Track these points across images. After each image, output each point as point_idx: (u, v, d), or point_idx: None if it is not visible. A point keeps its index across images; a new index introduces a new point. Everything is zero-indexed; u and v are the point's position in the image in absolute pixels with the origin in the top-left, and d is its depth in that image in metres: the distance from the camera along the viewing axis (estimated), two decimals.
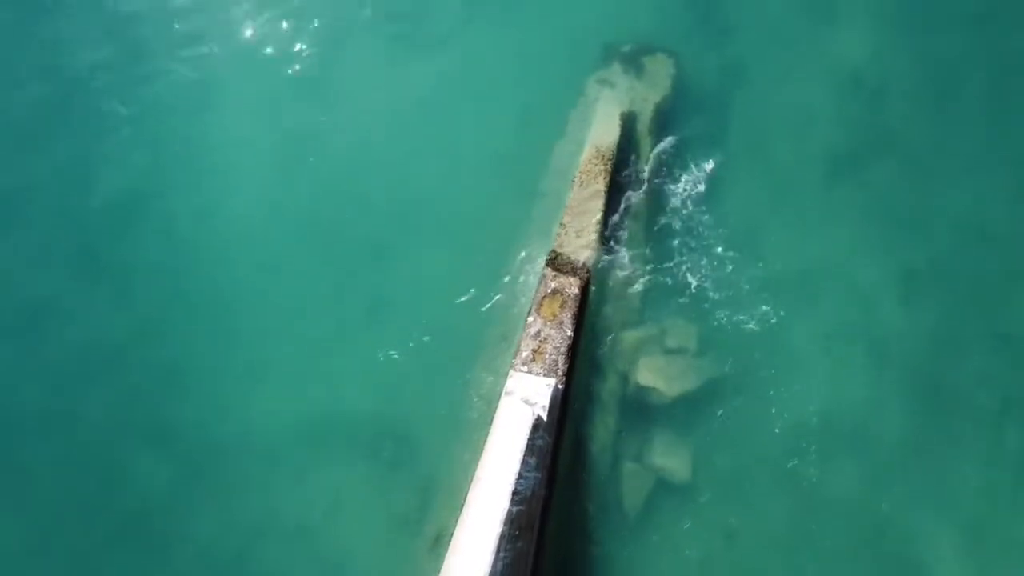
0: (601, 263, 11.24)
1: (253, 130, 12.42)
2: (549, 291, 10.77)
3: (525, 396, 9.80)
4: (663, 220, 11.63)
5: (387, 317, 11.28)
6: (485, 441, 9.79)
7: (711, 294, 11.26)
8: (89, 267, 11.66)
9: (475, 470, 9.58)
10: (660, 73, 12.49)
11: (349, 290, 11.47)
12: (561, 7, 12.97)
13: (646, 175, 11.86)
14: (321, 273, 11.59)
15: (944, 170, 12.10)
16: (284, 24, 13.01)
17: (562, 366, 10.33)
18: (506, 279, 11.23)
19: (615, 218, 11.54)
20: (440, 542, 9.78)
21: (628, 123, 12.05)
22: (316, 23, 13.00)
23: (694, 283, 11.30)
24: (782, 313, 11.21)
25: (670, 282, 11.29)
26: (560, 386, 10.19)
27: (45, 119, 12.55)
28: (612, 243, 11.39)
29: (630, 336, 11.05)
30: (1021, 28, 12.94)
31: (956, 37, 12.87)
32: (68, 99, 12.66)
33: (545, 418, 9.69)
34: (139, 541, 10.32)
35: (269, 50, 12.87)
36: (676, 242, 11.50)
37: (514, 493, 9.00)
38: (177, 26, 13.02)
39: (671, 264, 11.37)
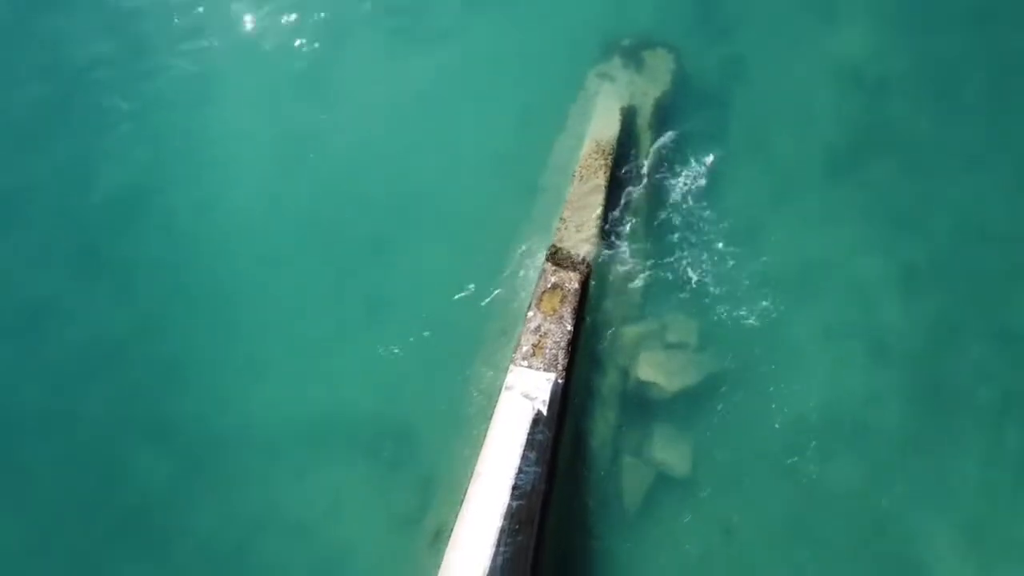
0: (601, 258, 11.23)
1: (253, 125, 12.42)
2: (549, 286, 10.76)
3: (525, 391, 9.80)
4: (663, 215, 11.61)
5: (387, 312, 11.28)
6: (485, 436, 9.81)
7: (711, 289, 11.24)
8: (89, 263, 11.67)
9: (475, 465, 9.60)
10: (660, 68, 12.46)
11: (349, 285, 11.47)
12: (561, 1, 12.93)
13: (646, 170, 11.84)
14: (321, 268, 11.58)
15: (944, 167, 12.08)
16: (284, 19, 13.00)
17: (562, 361, 10.33)
18: (506, 274, 11.23)
19: (615, 213, 11.52)
20: (440, 537, 9.79)
21: (628, 118, 12.03)
22: (316, 17, 12.98)
23: (694, 278, 11.28)
24: (782, 309, 11.20)
25: (670, 277, 11.27)
26: (560, 381, 10.19)
27: (45, 116, 12.55)
28: (612, 238, 11.38)
29: (630, 331, 11.04)
30: (1021, 26, 12.89)
31: (956, 35, 12.84)
32: (69, 95, 12.66)
33: (545, 413, 9.69)
34: (139, 535, 10.33)
35: (269, 45, 12.87)
36: (676, 237, 11.49)
37: (514, 488, 9.00)
38: (177, 21, 13.02)
39: (671, 259, 11.35)
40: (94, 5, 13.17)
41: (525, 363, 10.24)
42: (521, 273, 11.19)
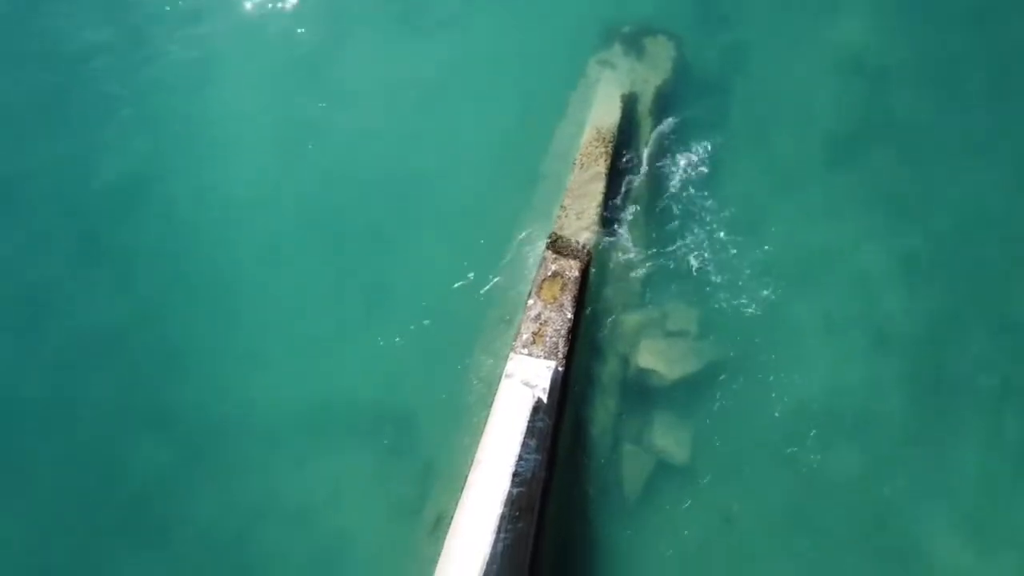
0: (602, 245, 11.20)
1: (253, 112, 12.37)
2: (549, 274, 10.74)
3: (525, 378, 9.79)
4: (664, 203, 11.59)
5: (387, 300, 11.25)
6: (485, 423, 9.80)
7: (712, 277, 11.22)
8: (89, 251, 11.62)
9: (475, 452, 9.58)
10: (661, 55, 12.43)
11: (349, 273, 11.44)
12: None
13: (647, 157, 11.81)
14: (321, 256, 11.55)
15: (946, 157, 12.06)
16: (284, 4, 12.93)
17: (562, 348, 10.31)
18: (506, 262, 11.19)
19: (616, 200, 11.50)
20: (440, 524, 9.79)
21: (629, 105, 11.99)
22: (316, 3, 12.91)
23: (695, 266, 11.27)
24: (783, 297, 11.19)
25: (671, 265, 11.25)
26: (560, 368, 10.18)
27: (44, 103, 12.49)
28: (613, 226, 11.35)
29: (631, 318, 11.03)
30: (1022, 16, 12.84)
31: (958, 24, 12.83)
32: (68, 82, 12.60)
33: (545, 400, 9.68)
34: (139, 524, 10.31)
35: (269, 30, 12.83)
36: (677, 225, 11.46)
37: (514, 475, 9.00)
38: (176, 6, 12.93)
39: (672, 247, 11.33)
40: None
41: (525, 351, 10.22)
42: (521, 261, 11.16)
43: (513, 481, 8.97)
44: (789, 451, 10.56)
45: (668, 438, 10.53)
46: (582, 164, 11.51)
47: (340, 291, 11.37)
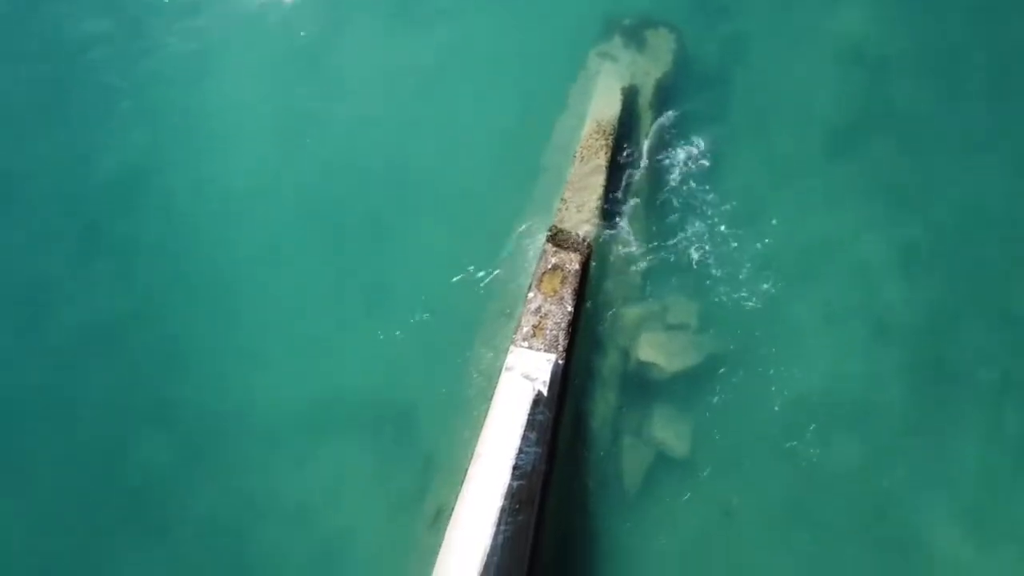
0: (602, 238, 11.18)
1: (252, 104, 12.33)
2: (550, 267, 10.73)
3: (525, 371, 9.80)
4: (664, 196, 11.56)
5: (386, 294, 11.23)
6: (485, 416, 9.79)
7: (712, 270, 11.21)
8: (88, 246, 11.60)
9: (475, 445, 9.59)
10: (662, 47, 12.38)
11: (349, 267, 11.42)
12: None
13: (648, 150, 11.78)
14: (320, 250, 11.53)
15: (946, 149, 12.02)
16: None
17: (562, 342, 10.31)
18: (506, 255, 11.17)
19: (616, 193, 11.48)
20: (441, 518, 9.80)
21: (629, 97, 11.95)
22: None
23: (695, 259, 11.25)
24: (783, 290, 11.16)
25: (672, 258, 11.24)
26: (560, 362, 10.18)
27: (43, 95, 12.46)
28: (613, 218, 11.33)
29: (631, 312, 11.02)
30: (1023, 6, 12.81)
31: (959, 14, 12.77)
32: (66, 74, 12.56)
33: (545, 393, 9.69)
34: (139, 519, 10.30)
35: (267, 22, 12.76)
36: (677, 217, 11.44)
37: (515, 468, 9.01)
38: None
39: (672, 240, 11.31)
40: None
41: (525, 344, 10.22)
42: (521, 254, 11.14)
43: (513, 474, 8.99)
44: (789, 443, 10.55)
45: (668, 431, 10.54)
46: (582, 157, 11.48)
47: (340, 285, 11.35)
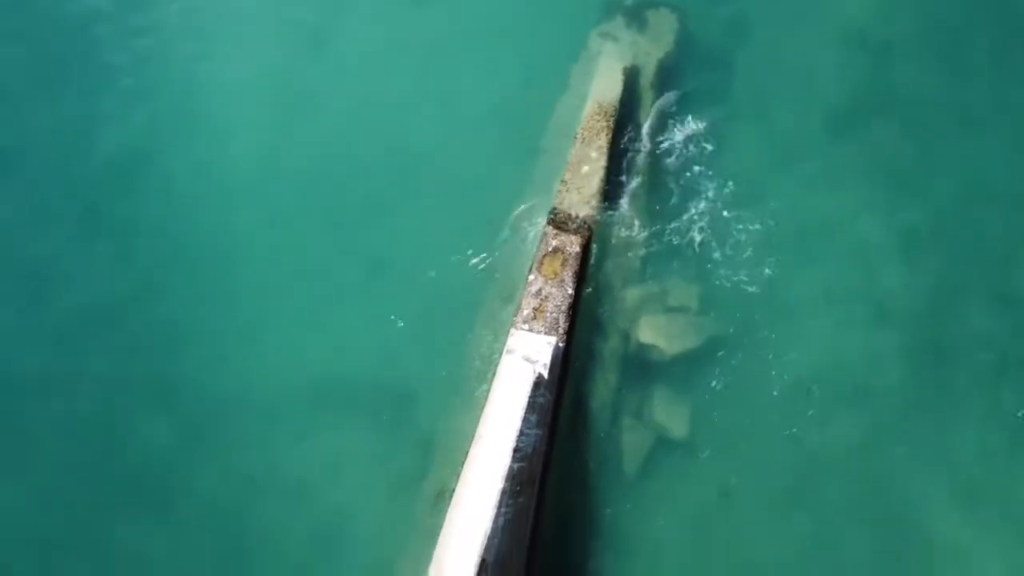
0: (603, 221, 11.16)
1: (252, 82, 12.26)
2: (550, 249, 10.71)
3: (526, 354, 9.80)
4: (665, 178, 11.53)
5: (386, 275, 11.22)
6: (486, 398, 9.82)
7: (713, 252, 11.19)
8: (89, 225, 11.56)
9: (476, 427, 9.62)
10: (663, 27, 12.31)
11: (348, 247, 11.39)
12: None
13: (649, 132, 11.73)
14: (320, 230, 11.49)
15: (947, 130, 12.00)
16: None
17: (563, 324, 10.32)
18: (506, 237, 11.15)
19: (617, 176, 11.43)
20: (441, 499, 9.85)
21: (631, 78, 11.88)
22: None
23: (696, 241, 11.23)
24: (784, 272, 11.17)
25: (672, 240, 11.22)
26: (561, 344, 10.19)
27: (43, 73, 12.37)
28: (614, 200, 11.30)
29: (631, 294, 11.02)
30: None
31: None
32: (66, 51, 12.51)
33: (546, 376, 9.70)
34: (140, 497, 10.34)
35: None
36: (678, 200, 11.41)
37: (515, 450, 9.04)
38: None
39: (673, 222, 11.29)
40: None
41: (526, 327, 10.22)
42: (522, 236, 11.11)
43: (514, 456, 9.02)
44: (788, 425, 10.60)
45: (668, 413, 10.57)
46: (583, 138, 11.43)
47: (340, 264, 11.33)
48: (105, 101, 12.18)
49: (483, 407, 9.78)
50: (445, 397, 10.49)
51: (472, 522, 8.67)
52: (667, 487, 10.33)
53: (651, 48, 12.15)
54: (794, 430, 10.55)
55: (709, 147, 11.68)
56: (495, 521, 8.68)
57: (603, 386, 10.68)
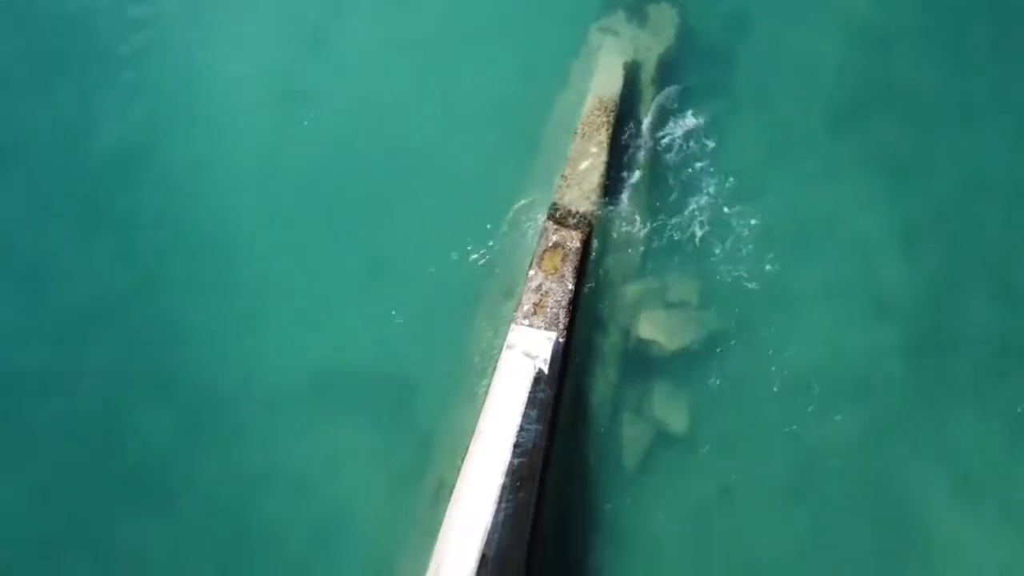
0: (603, 216, 11.15)
1: (252, 77, 12.22)
2: (550, 244, 10.70)
3: (526, 349, 9.81)
4: (666, 173, 11.51)
5: (386, 269, 11.22)
6: (486, 394, 9.83)
7: (713, 248, 11.19)
8: (89, 220, 11.56)
9: (476, 423, 9.62)
10: (664, 22, 12.26)
11: (348, 242, 11.38)
12: None
13: (649, 127, 11.70)
14: (320, 226, 11.48)
15: (948, 123, 11.98)
16: None
17: (563, 319, 10.32)
18: (507, 232, 11.14)
19: (617, 171, 11.41)
20: (441, 494, 9.87)
21: (632, 73, 11.85)
22: None
23: (696, 237, 11.22)
24: (784, 267, 11.16)
25: (672, 235, 11.21)
26: (561, 340, 10.19)
27: (42, 66, 12.34)
28: (614, 196, 11.29)
29: (631, 289, 11.01)
30: None
31: None
32: (66, 45, 12.45)
33: (546, 371, 9.71)
34: (141, 491, 10.38)
35: None
36: (679, 195, 11.40)
37: (515, 445, 9.05)
38: None
39: (673, 217, 11.28)
40: None
41: (526, 322, 10.22)
42: (522, 231, 11.11)
43: (514, 451, 9.02)
44: (787, 421, 10.61)
45: (668, 408, 10.58)
46: (583, 133, 11.41)
47: (340, 259, 11.33)
48: (105, 95, 12.16)
49: (483, 402, 9.80)
50: (445, 392, 10.50)
51: (472, 517, 8.68)
52: (667, 482, 10.35)
53: (652, 43, 12.11)
54: (794, 426, 10.56)
55: (710, 142, 11.65)
56: (495, 516, 8.70)
57: (603, 381, 10.68)
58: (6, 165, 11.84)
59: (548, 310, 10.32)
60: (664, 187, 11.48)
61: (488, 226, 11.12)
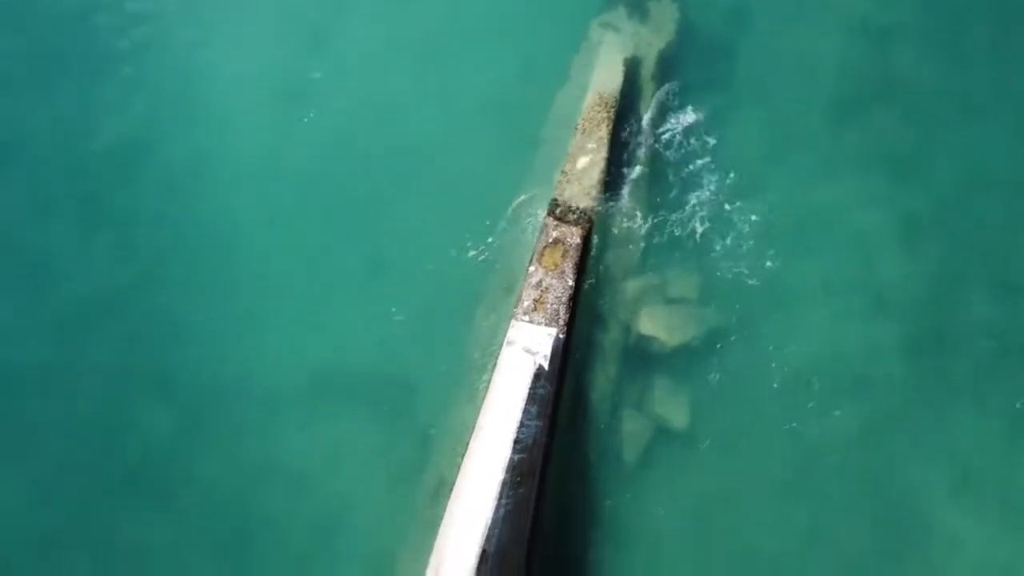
0: (603, 212, 11.14)
1: (252, 73, 12.25)
2: (551, 240, 10.69)
3: (526, 346, 9.80)
4: (666, 169, 11.51)
5: (386, 266, 11.22)
6: (486, 390, 9.82)
7: (713, 243, 11.19)
8: (89, 215, 11.56)
9: (476, 419, 9.62)
10: (665, 17, 12.26)
11: (348, 238, 11.38)
12: None
13: (650, 123, 11.70)
14: (320, 222, 11.49)
15: (948, 117, 11.99)
16: None
17: (563, 315, 10.31)
18: (507, 228, 11.14)
19: (618, 167, 11.41)
20: (441, 490, 9.87)
21: (632, 69, 11.84)
22: None
23: (696, 232, 11.22)
24: (784, 263, 11.17)
25: (672, 231, 11.21)
26: (561, 336, 10.19)
27: (42, 62, 12.31)
28: (615, 191, 11.28)
29: (632, 285, 11.01)
30: None
31: None
32: (66, 41, 12.45)
33: (546, 367, 9.70)
34: (141, 487, 10.38)
35: None
36: (679, 190, 11.40)
37: (515, 441, 9.05)
38: None
39: (674, 213, 11.27)
40: None
41: (526, 318, 10.21)
42: (522, 227, 11.10)
43: (514, 447, 9.03)
44: (788, 417, 10.61)
45: (668, 404, 10.58)
46: (584, 129, 11.40)
47: (339, 257, 11.33)
48: (105, 90, 12.16)
49: (483, 398, 9.79)
50: (445, 388, 10.50)
51: (473, 513, 8.69)
52: (667, 478, 10.35)
53: (652, 38, 12.10)
54: (794, 422, 10.57)
55: (710, 138, 11.65)
56: (496, 512, 8.71)
57: (603, 377, 10.68)
58: (6, 162, 11.83)
59: (548, 306, 10.31)
60: (664, 183, 11.47)
61: (488, 222, 11.12)
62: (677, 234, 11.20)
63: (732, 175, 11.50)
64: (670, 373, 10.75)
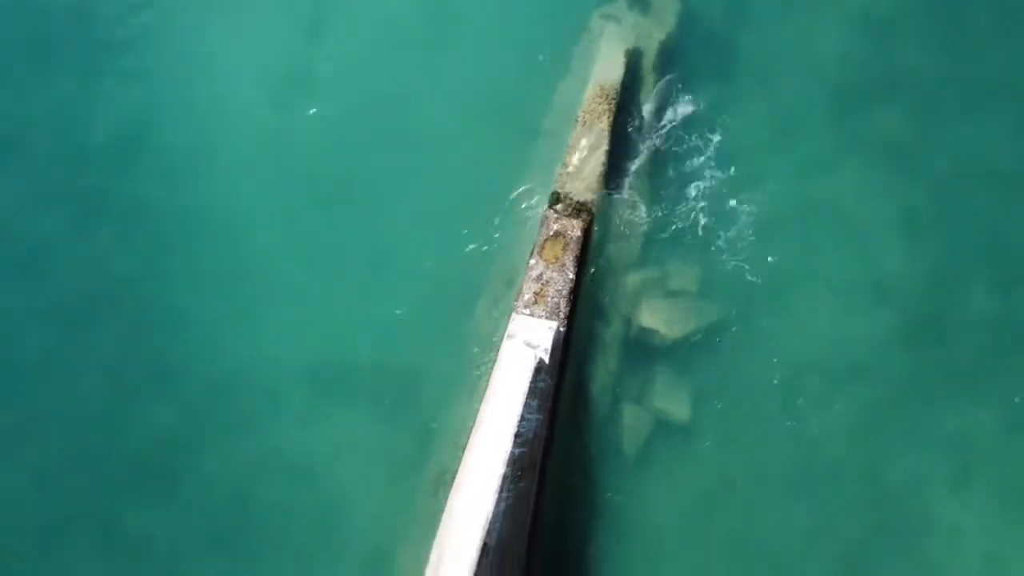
0: (604, 205, 11.11)
1: (251, 62, 12.19)
2: (551, 233, 10.67)
3: (527, 339, 9.79)
4: (667, 161, 11.48)
5: (387, 259, 11.20)
6: (487, 384, 9.83)
7: (714, 236, 11.17)
8: (90, 206, 11.54)
9: (477, 413, 9.63)
10: (666, 8, 12.20)
11: (349, 232, 11.36)
12: None
13: (651, 115, 11.66)
14: (320, 214, 11.44)
15: (950, 108, 11.94)
16: None
17: (564, 309, 10.30)
18: (507, 221, 11.11)
19: (619, 159, 11.37)
20: (442, 484, 9.89)
21: (633, 60, 11.78)
22: None
23: (697, 225, 11.20)
24: (785, 256, 11.17)
25: (673, 224, 11.19)
26: (562, 329, 10.18)
27: (41, 52, 12.27)
28: (615, 184, 11.25)
29: (632, 278, 11.00)
30: None
31: None
32: (64, 31, 12.38)
33: (547, 361, 9.70)
34: (143, 479, 10.39)
35: None
36: (680, 184, 11.37)
37: (516, 435, 9.05)
38: None
39: (674, 206, 11.25)
40: None
41: (527, 311, 10.21)
42: (522, 220, 11.08)
43: (515, 441, 9.03)
44: (788, 410, 10.64)
45: (668, 398, 10.59)
46: (585, 121, 11.35)
47: (340, 250, 11.31)
48: (104, 80, 12.10)
49: (484, 392, 9.79)
50: (445, 382, 10.50)
51: (474, 507, 8.69)
52: (668, 471, 10.38)
53: (653, 30, 12.03)
54: (793, 415, 10.59)
55: (711, 130, 11.62)
56: (496, 506, 8.71)
57: (604, 371, 10.69)
58: (5, 152, 11.78)
59: (549, 299, 10.30)
60: (665, 175, 11.44)
61: (488, 215, 11.09)
62: (678, 227, 11.18)
63: (733, 167, 11.48)
64: (671, 366, 10.75)
